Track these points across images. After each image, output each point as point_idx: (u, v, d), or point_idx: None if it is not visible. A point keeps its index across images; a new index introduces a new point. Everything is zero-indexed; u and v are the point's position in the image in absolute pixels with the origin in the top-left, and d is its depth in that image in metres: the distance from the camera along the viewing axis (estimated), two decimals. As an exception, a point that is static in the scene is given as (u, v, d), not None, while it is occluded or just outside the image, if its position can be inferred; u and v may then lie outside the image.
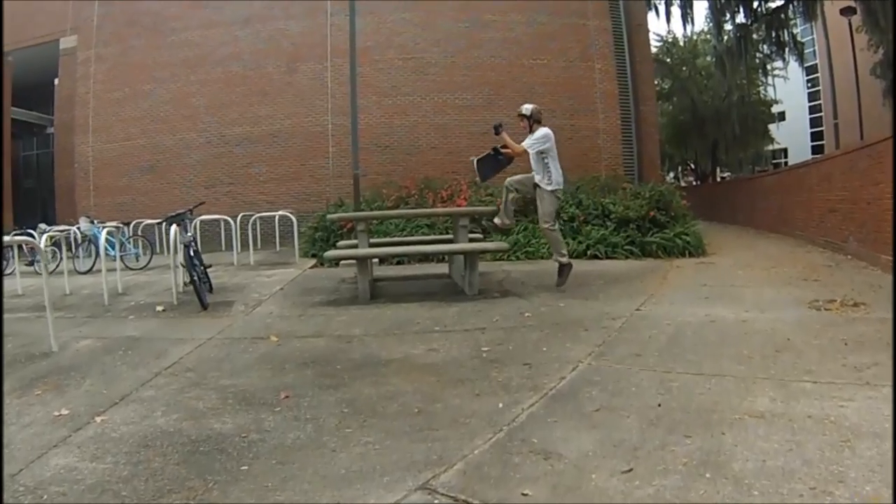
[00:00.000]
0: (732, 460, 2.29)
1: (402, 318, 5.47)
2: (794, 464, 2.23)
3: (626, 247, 9.28)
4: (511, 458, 2.48)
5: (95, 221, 11.30)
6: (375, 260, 8.80)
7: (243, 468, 2.55)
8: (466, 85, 14.33)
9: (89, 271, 9.95)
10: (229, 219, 11.12)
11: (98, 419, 3.18)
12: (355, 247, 6.88)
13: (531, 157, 6.32)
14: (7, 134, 17.14)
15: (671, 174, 36.98)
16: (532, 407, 3.04)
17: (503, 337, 4.53)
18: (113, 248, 9.18)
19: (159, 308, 6.57)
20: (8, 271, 11.31)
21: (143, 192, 14.85)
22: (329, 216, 7.93)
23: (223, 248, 12.13)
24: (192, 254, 6.78)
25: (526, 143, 6.28)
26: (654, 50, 23.01)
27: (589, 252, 9.22)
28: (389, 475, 2.40)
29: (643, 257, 9.14)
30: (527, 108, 6.47)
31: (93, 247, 10.86)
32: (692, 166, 36.05)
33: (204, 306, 6.33)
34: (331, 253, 6.69)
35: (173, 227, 6.96)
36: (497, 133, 6.41)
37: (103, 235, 8.06)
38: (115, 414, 3.26)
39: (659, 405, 2.94)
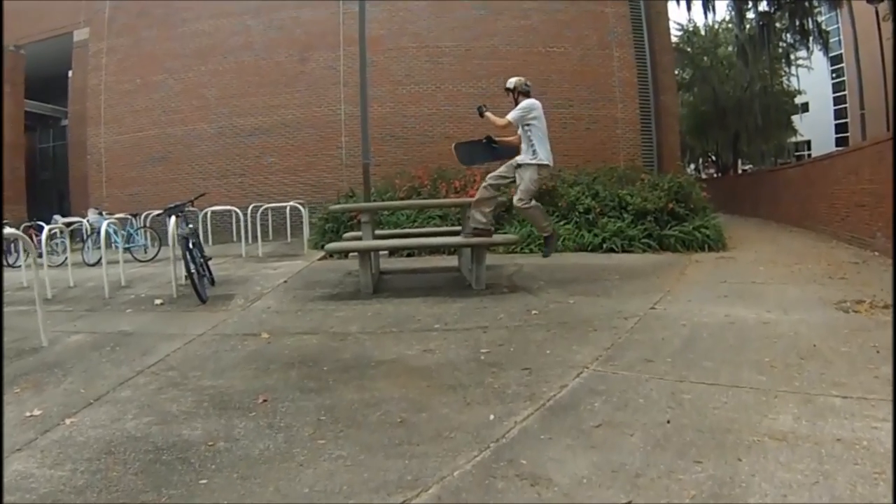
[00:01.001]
0: (749, 494, 1.99)
1: (403, 314, 5.22)
2: (820, 501, 1.92)
3: (644, 240, 8.93)
4: (494, 482, 2.20)
5: (104, 213, 11.20)
6: (385, 252, 8.60)
7: (202, 482, 2.36)
8: (481, 73, 13.95)
9: (97, 263, 9.85)
10: (237, 210, 10.98)
11: (68, 421, 3.05)
12: (360, 239, 6.64)
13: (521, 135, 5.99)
14: (19, 126, 17.16)
15: (692, 166, 36.19)
16: (526, 420, 2.76)
17: (506, 337, 4.24)
18: (120, 240, 9.07)
19: (158, 302, 6.48)
20: (18, 263, 11.37)
21: (155, 182, 14.77)
22: (331, 207, 7.69)
23: (234, 238, 11.97)
24: (190, 246, 6.57)
25: (510, 115, 5.90)
26: (674, 39, 22.42)
27: (605, 245, 8.89)
28: (356, 497, 2.16)
29: (661, 251, 8.77)
30: (511, 81, 6.17)
31: (100, 239, 10.77)
32: (713, 158, 35.23)
33: (202, 300, 6.19)
34: (332, 245, 6.44)
35: (172, 219, 6.81)
36: (481, 115, 6.08)
37: (104, 227, 7.88)
38: (86, 416, 3.12)
39: (668, 422, 2.63)
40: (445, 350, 4.00)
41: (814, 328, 4.08)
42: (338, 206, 7.23)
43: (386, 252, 8.69)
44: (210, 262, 7.37)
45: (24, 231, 11.10)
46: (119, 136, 15.14)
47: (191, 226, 7.26)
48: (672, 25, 19.98)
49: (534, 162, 5.87)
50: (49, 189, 20.30)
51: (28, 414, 3.15)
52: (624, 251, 8.74)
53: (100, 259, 10.01)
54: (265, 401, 3.20)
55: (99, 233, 10.77)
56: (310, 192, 14.01)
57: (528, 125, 5.86)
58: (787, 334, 3.95)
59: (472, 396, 3.10)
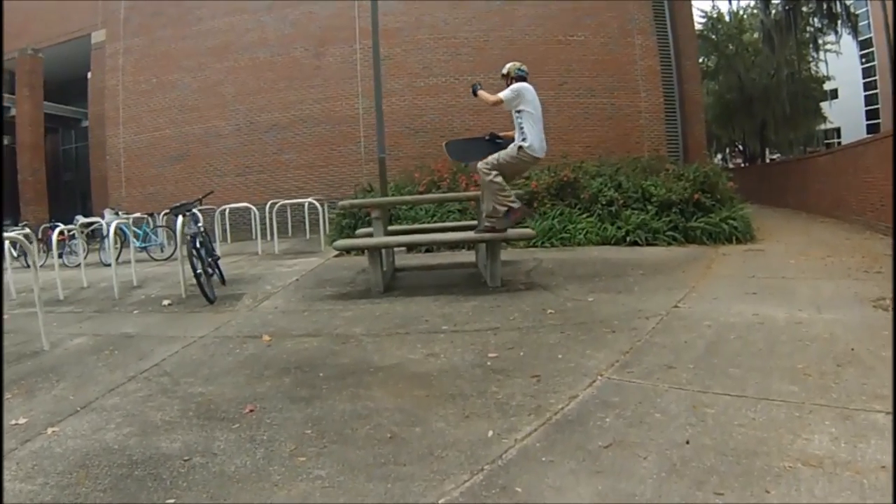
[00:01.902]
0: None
1: (412, 314, 4.98)
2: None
3: (668, 232, 8.55)
4: (483, 513, 1.95)
5: (120, 213, 11.19)
6: (402, 248, 8.37)
7: (169, 501, 2.20)
8: (500, 64, 13.44)
9: (111, 264, 9.83)
10: (253, 207, 10.87)
11: (50, 430, 2.96)
12: (371, 235, 6.42)
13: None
14: (39, 128, 17.28)
15: (718, 156, 35.29)
16: (527, 438, 2.49)
17: (517, 339, 3.98)
18: (134, 239, 9.00)
19: (166, 302, 6.40)
20: (40, 263, 11.42)
21: (174, 181, 14.78)
22: (340, 203, 7.49)
23: (253, 236, 11.87)
24: (197, 245, 6.44)
25: (502, 93, 5.59)
26: (698, 27, 21.73)
27: (628, 238, 8.53)
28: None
29: (686, 244, 8.38)
30: (506, 66, 5.89)
31: (118, 239, 10.77)
32: (740, 148, 34.30)
33: (209, 300, 6.08)
34: (340, 243, 6.23)
35: (179, 219, 6.71)
36: (475, 94, 5.75)
37: (112, 228, 7.80)
38: (69, 425, 3.02)
39: (687, 442, 2.34)
40: (451, 354, 3.75)
41: (851, 329, 3.72)
42: (345, 202, 6.99)
43: (404, 248, 8.47)
44: (225, 260, 7.26)
45: (43, 232, 11.16)
46: (137, 136, 15.18)
47: (200, 224, 7.13)
48: (695, 12, 19.32)
49: (521, 144, 5.50)
50: (73, 189, 20.56)
51: (14, 422, 3.08)
52: (648, 244, 8.38)
53: (116, 259, 10.10)
54: (252, 411, 3.02)
55: (116, 233, 10.80)
56: (329, 187, 13.86)
57: (519, 111, 5.53)
58: (822, 336, 3.61)
59: (472, 408, 2.85)
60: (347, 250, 7.00)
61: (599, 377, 3.13)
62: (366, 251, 6.19)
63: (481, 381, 3.22)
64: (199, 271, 6.17)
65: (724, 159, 36.92)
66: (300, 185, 14.18)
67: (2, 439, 2.73)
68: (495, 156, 5.59)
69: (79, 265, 9.55)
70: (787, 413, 2.53)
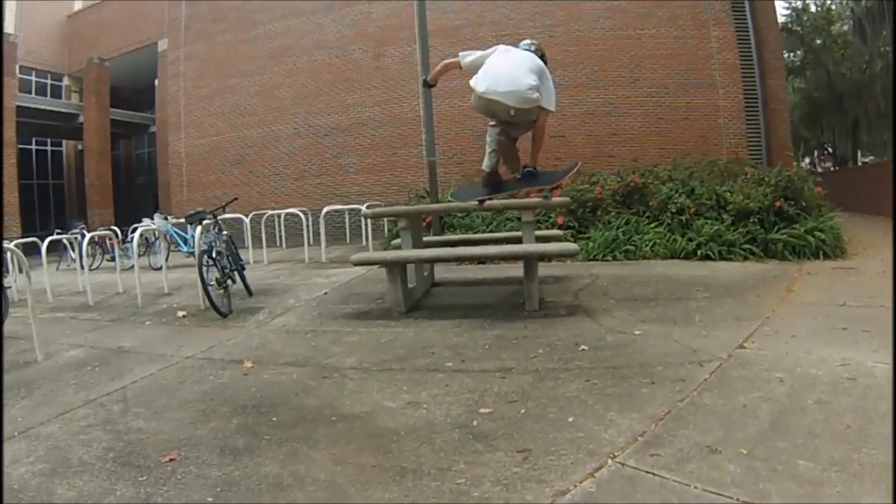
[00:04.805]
0: None
1: (421, 343, 4.30)
2: None
3: (745, 245, 7.42)
4: None
5: (169, 218, 11.18)
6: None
7: None
8: (567, 61, 12.77)
9: (161, 268, 9.79)
10: (301, 213, 10.56)
11: None
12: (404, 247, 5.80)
13: None
14: (105, 134, 17.91)
15: (806, 160, 32.50)
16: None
17: (526, 388, 3.18)
18: (184, 245, 8.83)
19: (181, 314, 6.21)
20: (96, 266, 11.63)
21: (233, 185, 14.84)
22: (364, 212, 6.93)
23: (311, 242, 11.55)
24: (213, 256, 6.11)
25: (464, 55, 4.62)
26: (781, 20, 19.89)
27: (700, 251, 7.48)
28: None
29: (765, 259, 7.24)
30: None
31: (166, 244, 10.74)
32: (829, 150, 31.43)
33: (221, 314, 5.78)
34: (357, 256, 5.62)
35: (197, 228, 6.48)
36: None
37: (137, 235, 7.64)
38: None
39: None
40: (436, 405, 3.03)
41: None
42: (368, 212, 6.40)
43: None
44: (267, 268, 6.93)
45: (99, 237, 11.29)
46: (198, 141, 15.38)
47: (224, 233, 6.80)
48: (778, 4, 17.62)
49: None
50: (146, 193, 21.37)
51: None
52: (722, 258, 7.31)
53: (165, 262, 10.04)
54: (172, 460, 2.58)
55: (165, 237, 10.79)
56: (390, 192, 13.50)
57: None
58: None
59: (419, 495, 2.12)
60: (365, 265, 6.38)
61: (611, 460, 2.29)
62: (385, 267, 5.54)
63: (453, 451, 2.48)
64: (211, 283, 5.91)
65: (812, 163, 34.03)
66: (361, 190, 13.86)
67: (1, 439, 2.72)
68: None
69: (132, 268, 9.58)
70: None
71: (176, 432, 2.91)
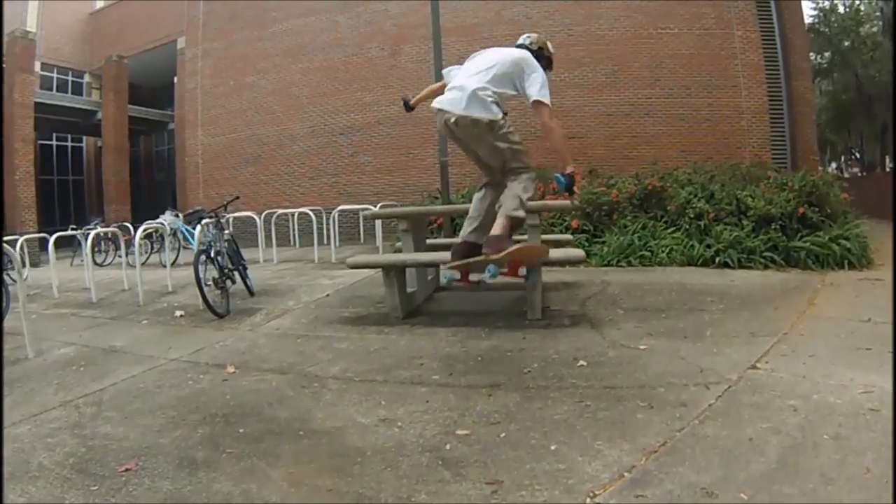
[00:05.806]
0: None
1: (411, 352, 4.12)
2: None
3: (766, 253, 7.10)
4: None
5: (179, 215, 11.17)
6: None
7: None
8: (586, 61, 12.51)
9: (173, 264, 9.77)
10: (311, 212, 10.46)
11: None
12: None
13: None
14: (123, 131, 18.03)
15: (833, 165, 31.66)
16: None
17: (510, 408, 2.97)
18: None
19: (178, 314, 6.19)
20: (108, 262, 11.68)
21: (248, 183, 14.83)
22: (364, 213, 6.78)
23: (314, 242, 11.48)
24: (212, 255, 6.03)
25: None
26: (808, 20, 19.37)
27: (718, 259, 7.20)
28: None
29: (786, 268, 6.92)
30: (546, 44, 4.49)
31: (177, 241, 10.73)
32: (856, 155, 30.63)
33: (216, 314, 5.72)
34: (352, 260, 5.47)
35: (197, 227, 6.42)
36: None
37: (138, 237, 7.62)
38: None
39: None
40: (412, 422, 2.85)
41: None
42: (368, 213, 6.26)
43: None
44: (276, 268, 6.86)
45: (112, 232, 11.33)
46: (214, 138, 15.40)
47: (227, 231, 6.72)
48: (805, 4, 17.09)
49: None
50: (165, 189, 21.53)
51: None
52: (741, 266, 7.00)
53: (175, 260, 10.03)
54: (128, 469, 2.51)
55: (175, 234, 10.77)
56: (406, 192, 13.29)
57: None
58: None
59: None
60: (361, 268, 6.22)
61: (589, 499, 2.07)
62: (381, 270, 5.39)
63: (417, 478, 2.30)
64: (208, 283, 5.81)
65: (839, 168, 33.17)
66: (376, 189, 13.68)
67: (2, 439, 2.72)
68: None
69: (144, 263, 9.57)
70: None
71: (140, 440, 2.84)
